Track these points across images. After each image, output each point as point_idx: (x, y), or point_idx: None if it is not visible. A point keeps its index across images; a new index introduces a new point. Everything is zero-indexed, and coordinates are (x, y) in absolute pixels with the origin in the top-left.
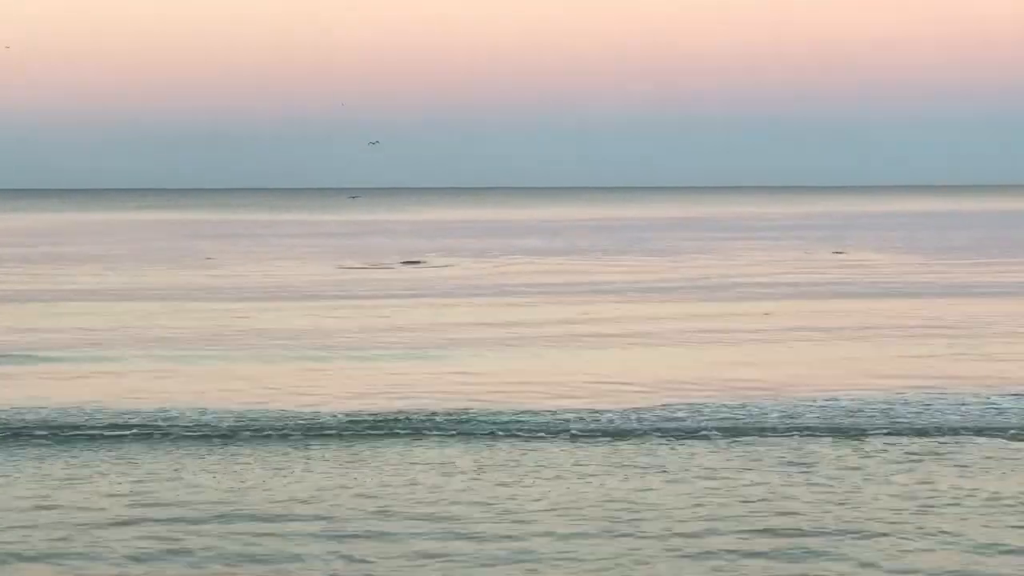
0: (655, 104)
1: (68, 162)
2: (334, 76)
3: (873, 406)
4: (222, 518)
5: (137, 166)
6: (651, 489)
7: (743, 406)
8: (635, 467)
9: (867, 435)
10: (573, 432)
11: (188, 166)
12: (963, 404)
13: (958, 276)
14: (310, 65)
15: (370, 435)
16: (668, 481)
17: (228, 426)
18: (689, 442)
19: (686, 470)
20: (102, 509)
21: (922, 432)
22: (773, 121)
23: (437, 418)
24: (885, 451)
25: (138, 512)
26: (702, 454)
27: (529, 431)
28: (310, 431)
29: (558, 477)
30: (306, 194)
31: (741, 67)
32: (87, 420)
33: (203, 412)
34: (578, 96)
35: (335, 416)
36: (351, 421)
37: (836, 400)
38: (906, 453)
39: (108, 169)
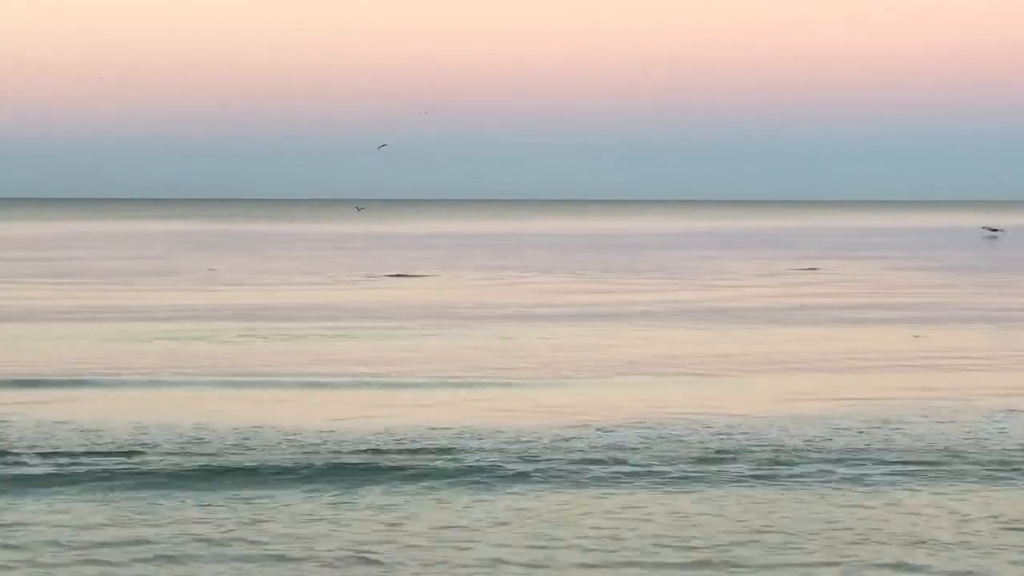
0: (661, 119)
1: (66, 172)
2: (343, 86)
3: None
4: None
5: (137, 176)
6: None
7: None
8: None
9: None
10: None
11: (199, 176)
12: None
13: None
14: (317, 74)
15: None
16: None
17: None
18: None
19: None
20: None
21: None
22: (786, 135)
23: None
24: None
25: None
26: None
27: None
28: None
29: None
30: (311, 204)
31: (753, 82)
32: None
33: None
34: (589, 109)
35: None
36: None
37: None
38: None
39: (104, 179)
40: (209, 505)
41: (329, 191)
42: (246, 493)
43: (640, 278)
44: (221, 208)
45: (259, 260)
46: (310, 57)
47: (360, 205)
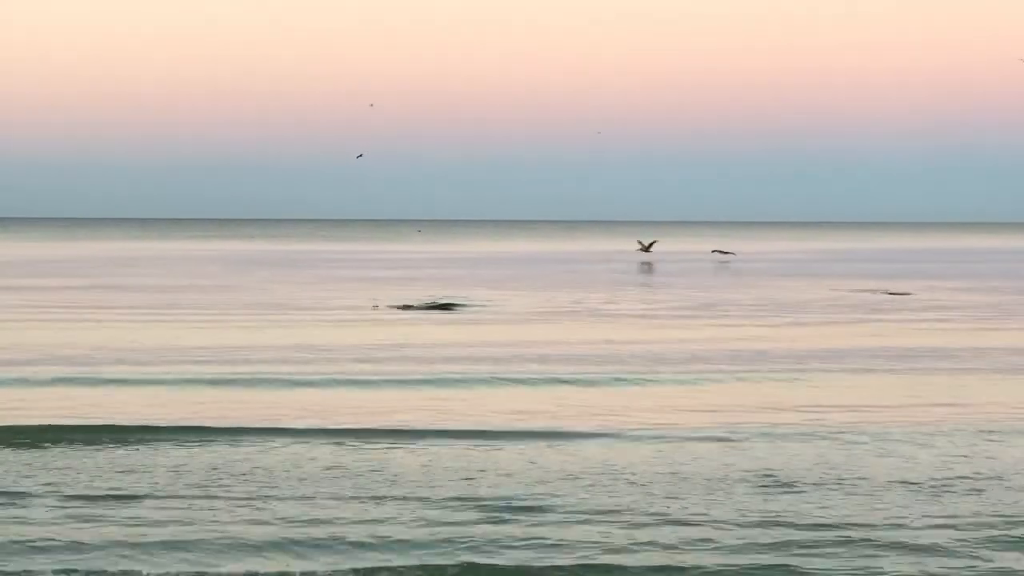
0: (690, 139)
1: (119, 191)
2: (407, 109)
3: None
4: None
5: (193, 195)
6: None
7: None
8: None
9: None
10: None
11: (279, 195)
12: None
13: None
14: (381, 99)
15: None
16: None
17: None
18: None
19: None
20: None
21: None
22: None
23: None
24: None
25: None
26: None
27: None
28: None
29: None
30: (375, 225)
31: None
32: None
33: None
34: (647, 130)
35: None
36: None
37: None
38: None
39: (163, 198)
40: None
41: (384, 212)
42: None
43: (749, 312)
44: (280, 228)
45: (348, 285)
46: (374, 79)
47: (419, 227)
